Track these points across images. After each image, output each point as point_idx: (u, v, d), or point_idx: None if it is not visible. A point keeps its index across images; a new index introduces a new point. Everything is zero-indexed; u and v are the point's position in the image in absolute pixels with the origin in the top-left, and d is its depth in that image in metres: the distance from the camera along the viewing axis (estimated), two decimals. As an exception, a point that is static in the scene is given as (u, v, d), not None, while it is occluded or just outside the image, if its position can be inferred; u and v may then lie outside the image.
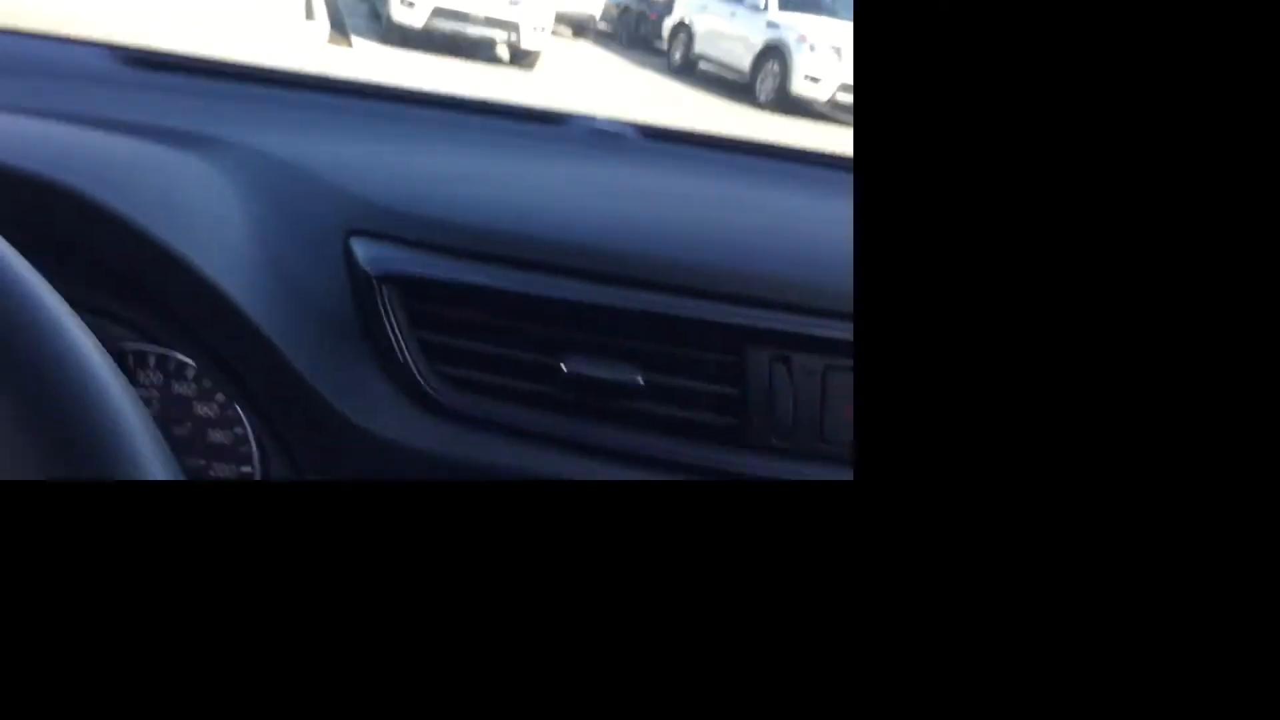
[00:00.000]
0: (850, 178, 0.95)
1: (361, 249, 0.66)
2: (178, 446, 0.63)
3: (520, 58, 7.37)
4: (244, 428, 0.64)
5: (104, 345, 0.37)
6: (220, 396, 0.64)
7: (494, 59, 7.33)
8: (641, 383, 0.65)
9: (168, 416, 0.64)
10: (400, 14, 6.99)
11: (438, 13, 6.96)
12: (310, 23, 3.29)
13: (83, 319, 0.37)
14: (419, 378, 0.64)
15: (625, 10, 10.95)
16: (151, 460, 0.36)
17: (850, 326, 0.69)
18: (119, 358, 0.64)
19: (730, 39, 8.38)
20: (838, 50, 7.30)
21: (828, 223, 0.79)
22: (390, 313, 0.64)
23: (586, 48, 9.60)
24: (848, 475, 0.67)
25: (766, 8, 8.05)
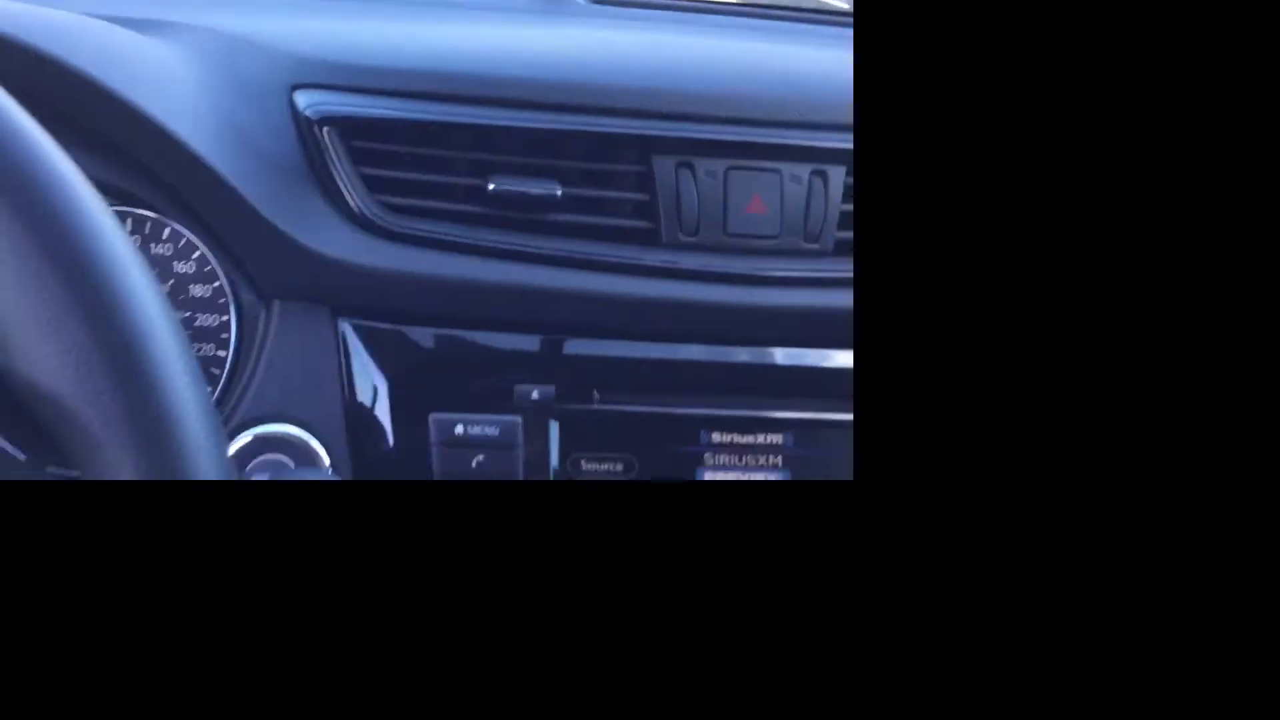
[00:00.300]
0: (772, 23, 1.01)
1: (303, 98, 0.74)
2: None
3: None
4: (221, 280, 0.73)
5: None
6: (196, 254, 0.73)
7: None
8: (560, 195, 0.73)
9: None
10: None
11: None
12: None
13: None
14: (362, 206, 0.72)
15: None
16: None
17: (752, 130, 0.76)
18: None
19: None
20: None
21: (734, 45, 0.85)
22: (332, 151, 0.73)
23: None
24: (745, 264, 0.75)
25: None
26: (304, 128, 0.73)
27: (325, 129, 0.73)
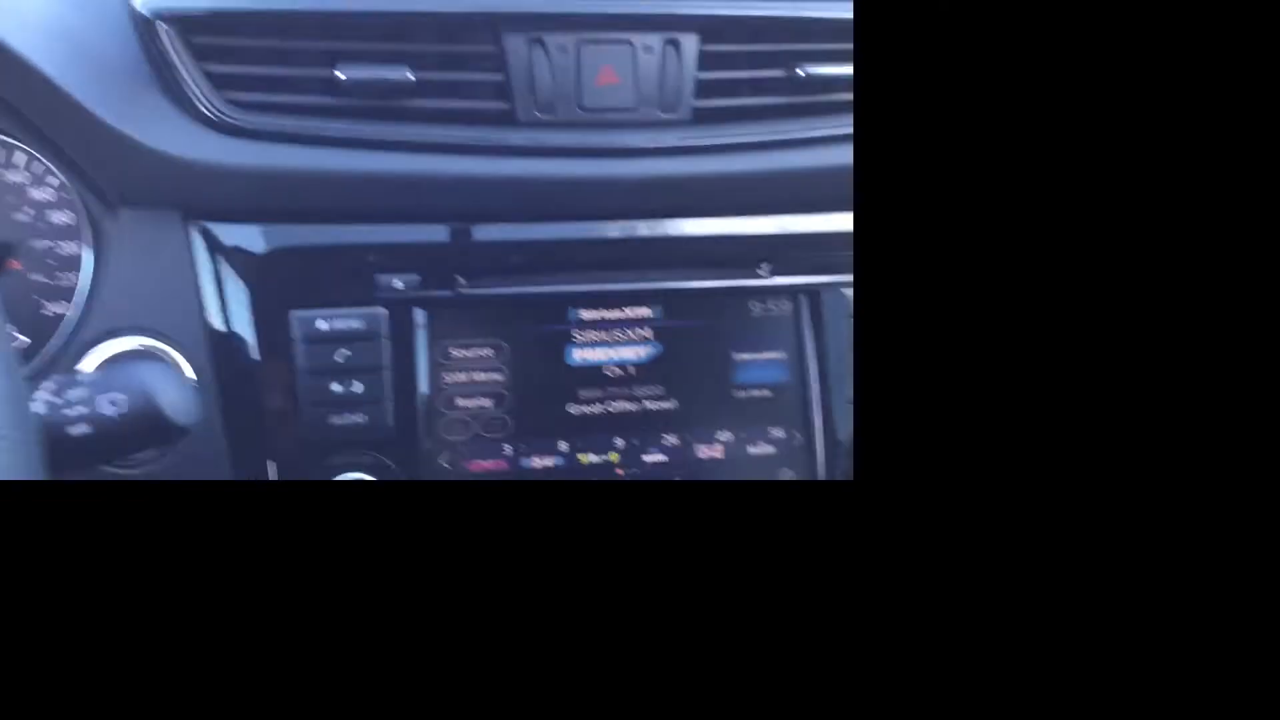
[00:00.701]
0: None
1: None
2: (21, 231, 0.71)
3: None
4: (79, 205, 0.72)
5: None
6: (53, 180, 0.72)
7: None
8: (413, 80, 0.72)
9: (6, 204, 0.72)
10: None
11: None
12: None
13: None
14: (208, 105, 0.71)
15: None
16: None
17: (602, 1, 0.75)
18: None
19: None
20: None
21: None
22: (173, 50, 0.71)
23: None
24: (602, 137, 0.74)
25: None
26: (142, 27, 0.71)
27: (164, 27, 0.71)
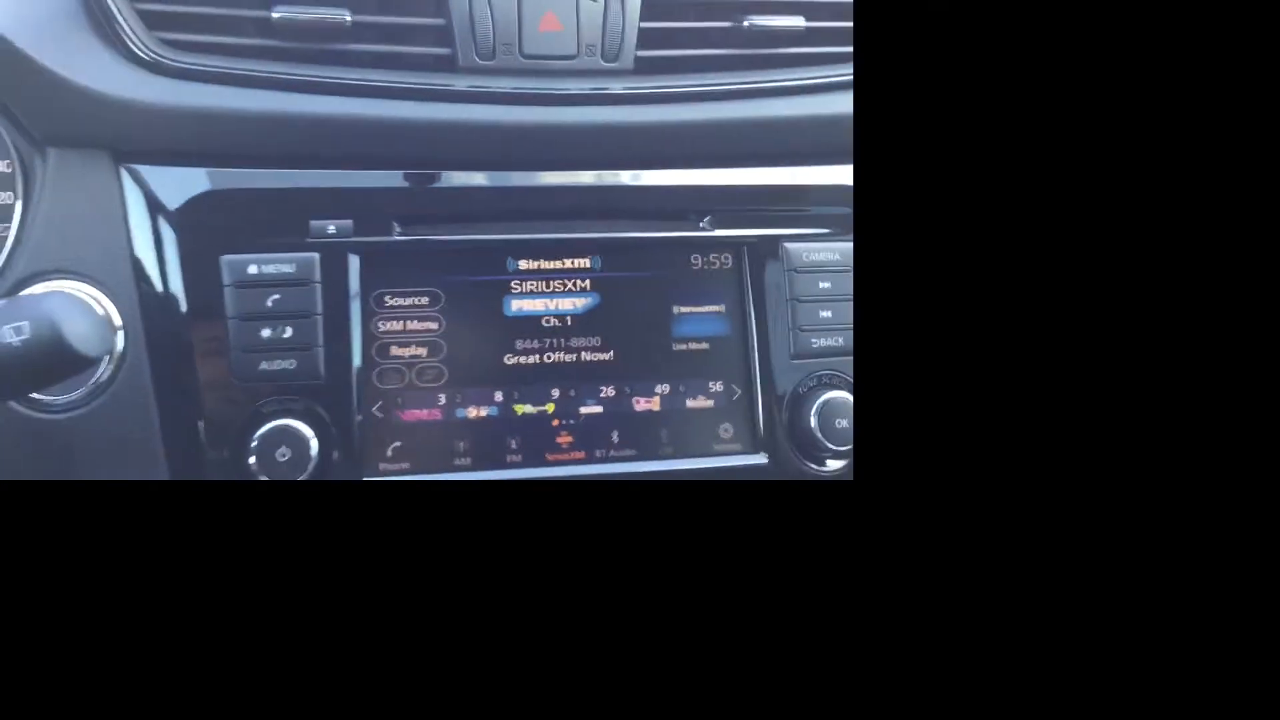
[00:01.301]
0: None
1: None
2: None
3: None
4: (12, 153, 0.70)
5: None
6: None
7: None
8: (350, 22, 0.71)
9: None
10: None
11: None
12: None
13: None
14: (141, 44, 0.69)
15: None
16: None
17: None
18: None
19: None
20: None
21: None
22: None
23: None
24: (543, 84, 0.73)
25: None
26: None
27: (95, -36, 0.69)
